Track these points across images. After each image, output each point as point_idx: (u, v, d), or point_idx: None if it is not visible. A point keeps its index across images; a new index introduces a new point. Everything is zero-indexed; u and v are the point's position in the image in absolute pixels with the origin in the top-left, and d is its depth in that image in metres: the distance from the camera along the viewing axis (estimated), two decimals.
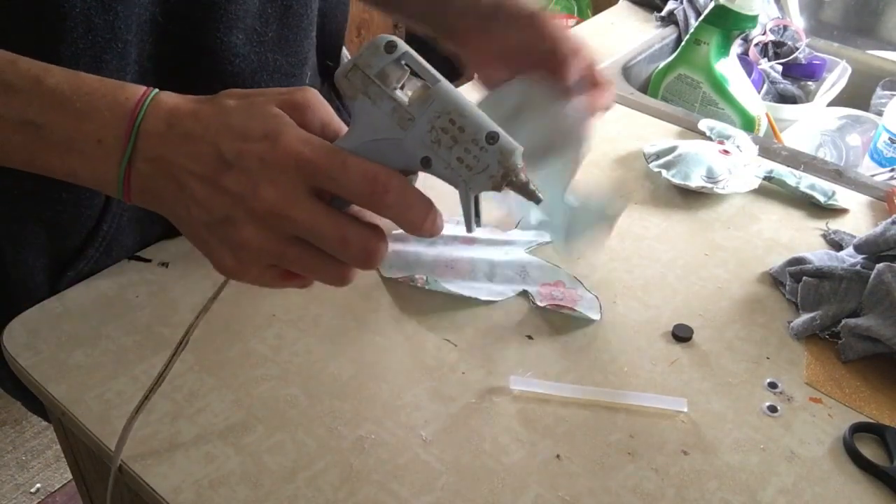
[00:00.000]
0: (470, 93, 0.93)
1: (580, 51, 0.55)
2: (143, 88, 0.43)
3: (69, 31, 0.49)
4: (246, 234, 0.40)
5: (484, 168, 0.38)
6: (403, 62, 0.38)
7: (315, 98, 0.42)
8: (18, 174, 0.53)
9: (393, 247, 0.66)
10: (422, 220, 0.40)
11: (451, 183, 0.40)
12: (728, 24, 0.92)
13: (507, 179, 0.39)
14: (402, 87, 0.39)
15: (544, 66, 0.54)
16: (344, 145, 0.39)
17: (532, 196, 0.40)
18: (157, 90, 0.43)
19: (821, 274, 0.63)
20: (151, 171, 0.42)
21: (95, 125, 0.42)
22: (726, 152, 0.79)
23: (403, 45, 0.38)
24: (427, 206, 0.40)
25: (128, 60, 0.54)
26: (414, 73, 0.39)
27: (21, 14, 0.48)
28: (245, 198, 0.40)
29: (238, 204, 0.40)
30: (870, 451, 0.53)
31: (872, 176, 0.86)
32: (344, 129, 0.42)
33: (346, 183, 0.39)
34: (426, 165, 0.40)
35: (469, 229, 0.42)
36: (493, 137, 0.38)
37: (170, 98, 0.43)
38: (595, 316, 0.61)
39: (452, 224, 0.70)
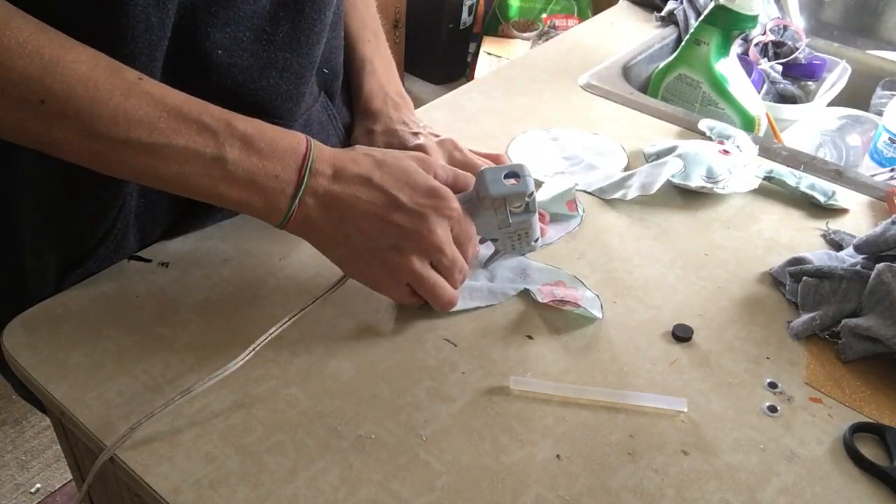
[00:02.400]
0: (469, 93, 0.93)
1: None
2: (302, 135, 0.55)
3: (130, 29, 0.51)
4: (409, 260, 0.56)
5: (522, 250, 0.64)
6: (529, 199, 0.59)
7: (429, 158, 0.59)
8: (48, 167, 0.54)
9: None
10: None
11: (496, 245, 0.63)
12: (728, 24, 0.92)
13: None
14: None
15: None
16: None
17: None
18: (311, 139, 0.55)
19: (821, 274, 0.63)
20: (316, 205, 0.54)
21: (275, 164, 0.53)
22: (726, 152, 0.79)
23: (535, 195, 0.59)
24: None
25: (162, 57, 0.55)
26: (525, 206, 0.59)
27: (87, 13, 0.50)
28: (418, 233, 0.55)
29: (408, 237, 0.55)
30: (870, 451, 0.53)
31: (872, 176, 0.86)
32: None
33: (469, 246, 0.60)
34: (494, 241, 0.63)
35: (486, 266, 0.66)
36: (536, 240, 0.63)
37: (323, 146, 0.56)
38: (597, 314, 0.61)
39: None
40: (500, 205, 0.59)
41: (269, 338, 0.55)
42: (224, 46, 0.57)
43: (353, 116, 0.75)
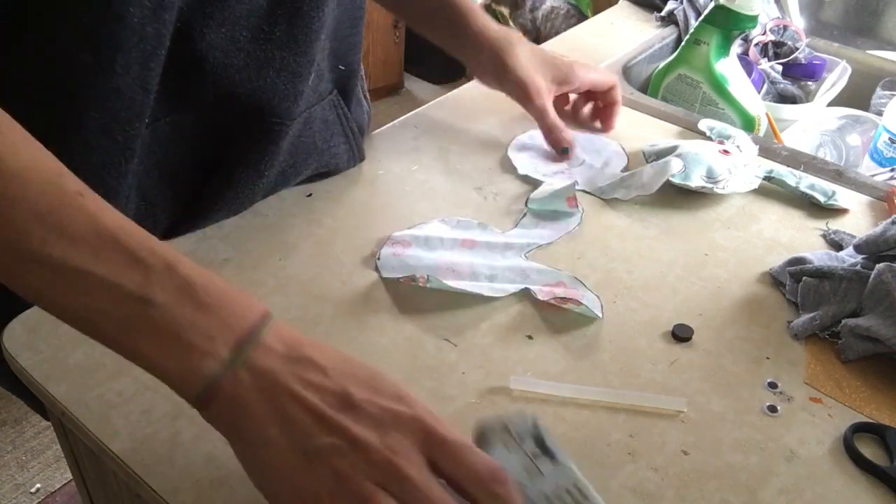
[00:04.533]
0: (469, 92, 0.92)
1: (557, 125, 0.81)
2: (264, 307, 0.43)
3: (126, 40, 0.51)
4: (352, 471, 0.39)
5: None
6: (541, 439, 0.46)
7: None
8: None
9: (392, 250, 0.66)
10: None
11: None
12: (728, 24, 0.92)
13: None
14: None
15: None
16: None
17: None
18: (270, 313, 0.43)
19: (821, 274, 0.63)
20: (252, 383, 0.41)
21: (214, 322, 0.41)
22: (726, 152, 0.79)
23: (545, 428, 0.47)
24: None
25: (159, 66, 0.55)
26: (541, 446, 0.46)
27: (82, 23, 0.49)
28: (368, 442, 0.40)
29: (355, 443, 0.40)
30: (870, 451, 0.53)
31: (872, 176, 0.86)
32: None
33: (468, 465, 0.40)
34: None
35: None
36: None
37: (285, 324, 0.43)
38: (598, 313, 0.61)
39: (452, 225, 0.71)
40: (509, 439, 0.46)
41: None
42: (220, 47, 0.57)
43: (467, 51, 0.81)
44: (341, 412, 0.41)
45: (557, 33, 1.16)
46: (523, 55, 0.79)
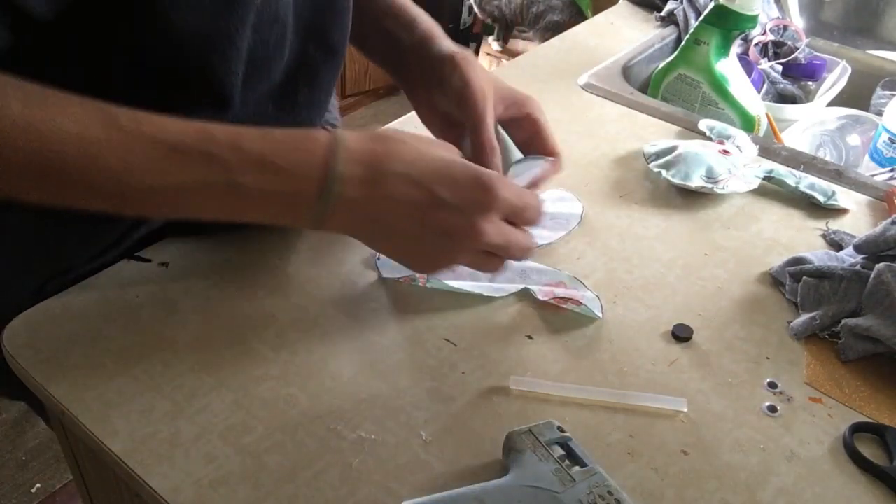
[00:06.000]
0: None
1: (490, 145, 0.61)
2: (324, 136, 0.50)
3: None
4: (460, 254, 0.53)
5: None
6: (567, 445, 0.50)
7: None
8: (63, 229, 0.58)
9: None
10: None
11: None
12: (728, 24, 0.92)
13: None
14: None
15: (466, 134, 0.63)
16: (504, 482, 0.48)
17: None
18: (340, 134, 0.50)
19: (821, 274, 0.63)
20: (349, 215, 0.51)
21: (294, 181, 0.49)
22: (726, 152, 0.80)
23: (568, 435, 0.50)
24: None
25: None
26: (568, 452, 0.50)
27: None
28: (465, 231, 0.51)
29: (454, 234, 0.51)
30: (870, 451, 0.53)
31: (872, 176, 0.86)
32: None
33: (525, 215, 0.54)
34: None
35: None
36: None
37: (351, 139, 0.50)
38: (598, 313, 0.61)
39: None
40: (538, 446, 0.51)
41: None
42: (247, 118, 0.58)
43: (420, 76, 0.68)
44: (435, 211, 0.51)
45: (538, 19, 1.14)
46: (476, 67, 0.64)
